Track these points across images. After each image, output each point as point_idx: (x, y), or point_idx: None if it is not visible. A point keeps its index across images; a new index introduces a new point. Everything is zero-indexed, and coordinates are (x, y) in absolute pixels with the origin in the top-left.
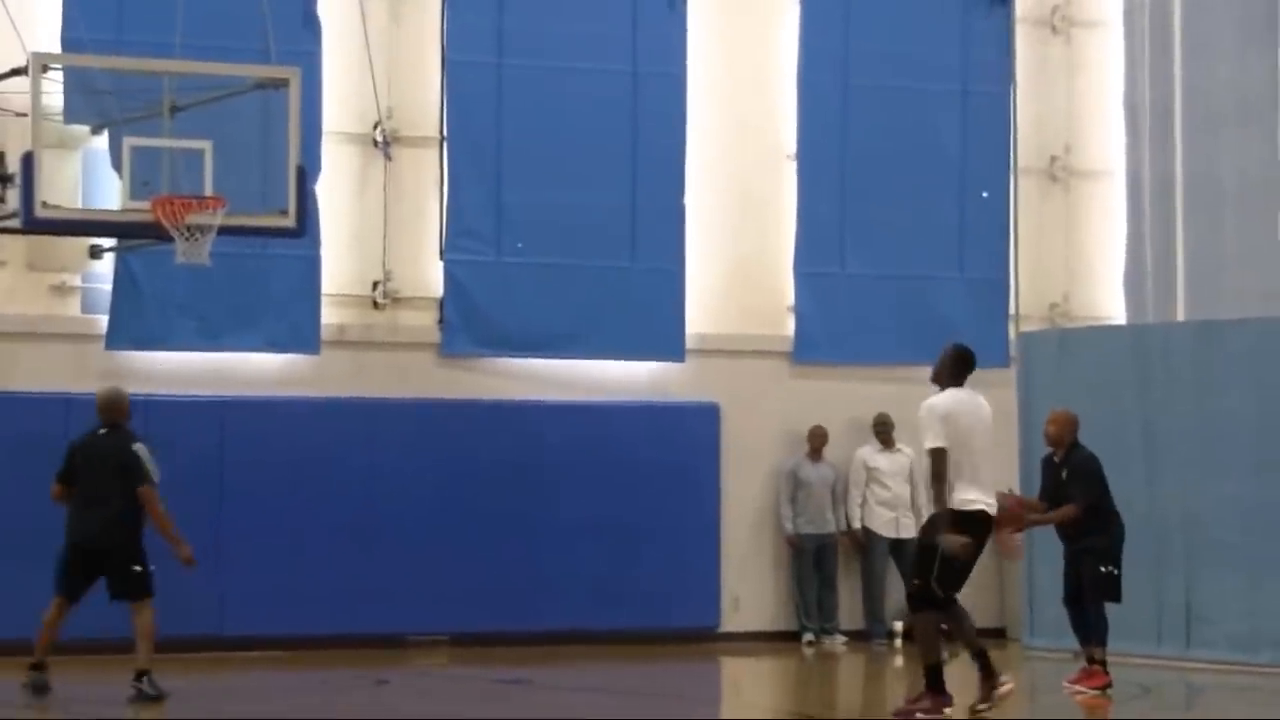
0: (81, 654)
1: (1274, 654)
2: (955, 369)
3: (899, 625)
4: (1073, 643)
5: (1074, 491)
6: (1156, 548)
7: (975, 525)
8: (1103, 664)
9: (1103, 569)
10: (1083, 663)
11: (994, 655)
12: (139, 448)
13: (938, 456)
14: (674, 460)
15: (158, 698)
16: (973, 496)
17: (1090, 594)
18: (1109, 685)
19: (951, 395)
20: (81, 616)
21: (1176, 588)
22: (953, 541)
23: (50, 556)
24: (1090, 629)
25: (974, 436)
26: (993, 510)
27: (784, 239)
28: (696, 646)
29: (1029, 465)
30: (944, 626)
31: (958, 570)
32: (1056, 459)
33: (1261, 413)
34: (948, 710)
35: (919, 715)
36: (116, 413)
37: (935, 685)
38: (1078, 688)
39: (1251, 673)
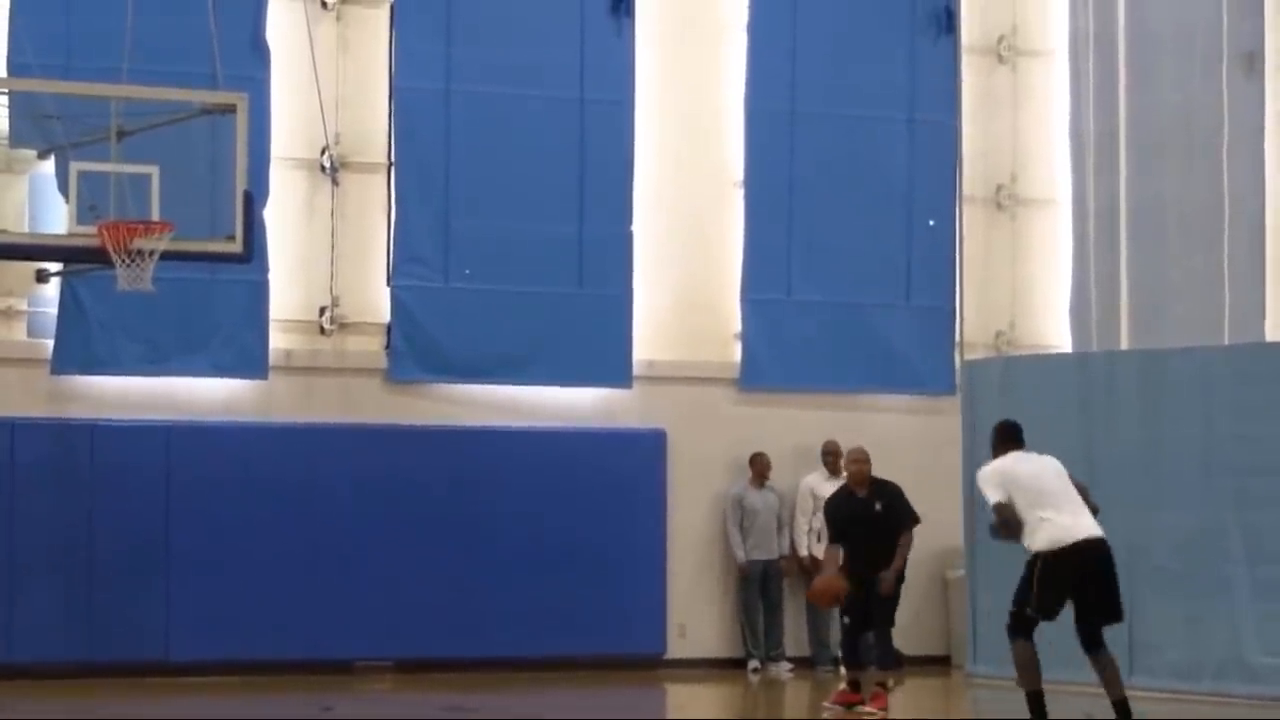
0: None
1: (1215, 682)
2: (1002, 439)
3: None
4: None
5: (904, 518)
6: None
7: (1070, 560)
8: (884, 685)
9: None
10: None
11: (937, 683)
12: None
13: (1001, 510)
14: (621, 486)
15: None
16: (1058, 534)
17: (885, 618)
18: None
19: (1003, 458)
20: None
21: None
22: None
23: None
24: (885, 653)
25: (1043, 479)
26: (1088, 534)
27: (731, 266)
28: (642, 673)
29: (974, 494)
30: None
31: (1053, 595)
32: (861, 495)
33: (1204, 442)
34: None
35: None
36: None
37: (1035, 714)
38: (868, 709)
39: (1194, 701)
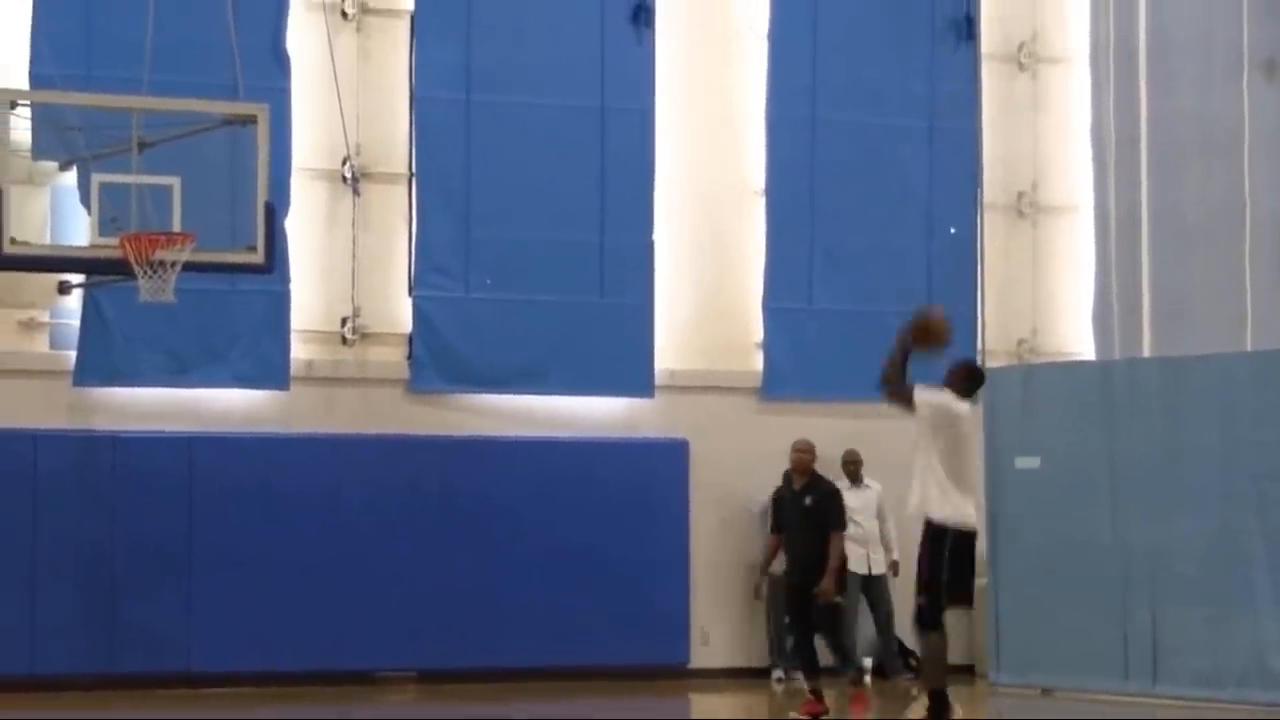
0: None
1: (1239, 689)
2: (962, 379)
3: (868, 662)
4: (1041, 678)
5: (831, 520)
6: (1123, 583)
7: (970, 543)
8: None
9: (838, 598)
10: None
11: (961, 692)
12: None
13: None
14: (643, 496)
15: None
16: (967, 515)
17: (825, 625)
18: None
19: (953, 397)
20: None
21: (1143, 623)
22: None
23: (16, 589)
24: (814, 658)
25: (968, 450)
26: (975, 524)
27: (752, 274)
28: (666, 683)
29: (995, 502)
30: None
31: (965, 576)
32: (796, 488)
33: (1226, 448)
34: None
35: None
36: None
37: (939, 713)
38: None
39: (1218, 709)
